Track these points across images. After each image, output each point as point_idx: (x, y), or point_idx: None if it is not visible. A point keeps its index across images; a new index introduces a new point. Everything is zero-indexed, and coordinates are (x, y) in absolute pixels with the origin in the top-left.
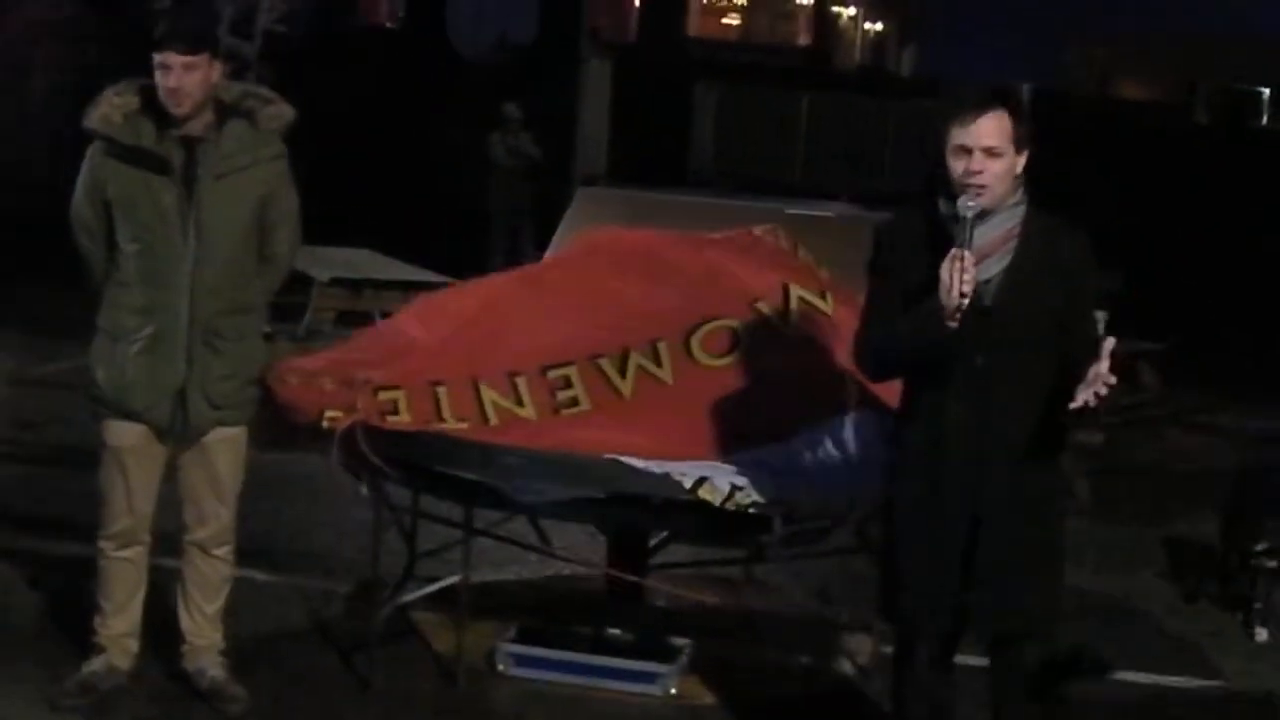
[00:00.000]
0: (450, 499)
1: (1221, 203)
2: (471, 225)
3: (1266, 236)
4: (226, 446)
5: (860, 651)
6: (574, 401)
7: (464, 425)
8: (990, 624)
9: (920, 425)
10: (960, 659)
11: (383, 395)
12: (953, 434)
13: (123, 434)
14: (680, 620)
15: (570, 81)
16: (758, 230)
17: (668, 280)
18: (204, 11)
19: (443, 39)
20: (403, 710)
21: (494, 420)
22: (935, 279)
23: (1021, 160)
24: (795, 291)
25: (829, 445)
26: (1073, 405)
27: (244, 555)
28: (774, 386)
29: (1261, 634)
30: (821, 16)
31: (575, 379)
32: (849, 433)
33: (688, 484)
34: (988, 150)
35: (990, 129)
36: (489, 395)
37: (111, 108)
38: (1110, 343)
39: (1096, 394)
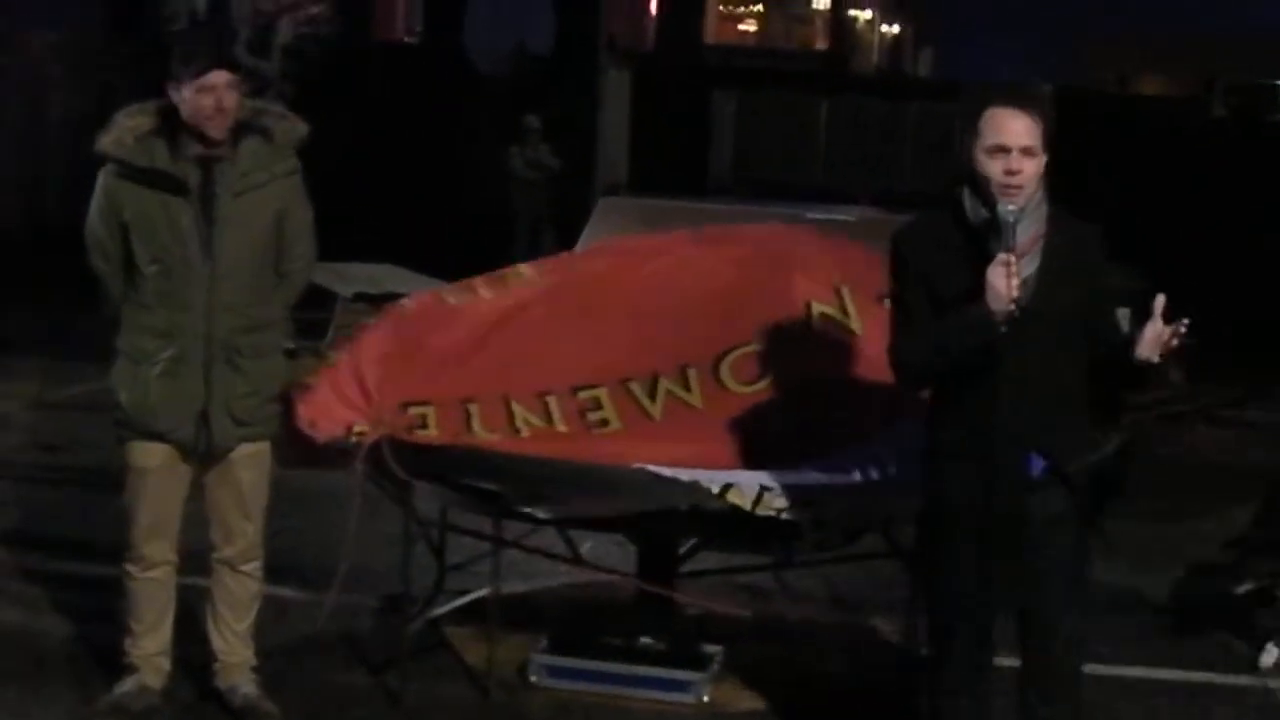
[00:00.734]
0: (479, 511)
1: (1243, 197)
2: (492, 237)
3: None
4: (251, 463)
5: (891, 654)
6: (604, 422)
7: (493, 437)
8: (1038, 624)
9: (960, 426)
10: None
11: (412, 410)
12: (997, 432)
13: (148, 455)
14: (711, 627)
15: (589, 91)
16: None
17: (694, 301)
18: (225, 32)
19: (461, 52)
20: None
21: (525, 433)
22: (972, 283)
23: (1045, 160)
24: (817, 309)
25: (862, 463)
26: (1139, 357)
27: (273, 572)
28: (805, 412)
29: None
30: (838, 20)
31: (605, 400)
32: (882, 451)
33: (715, 488)
34: (1025, 150)
35: (1026, 128)
36: (521, 413)
37: (123, 130)
38: (1161, 299)
39: (1167, 345)
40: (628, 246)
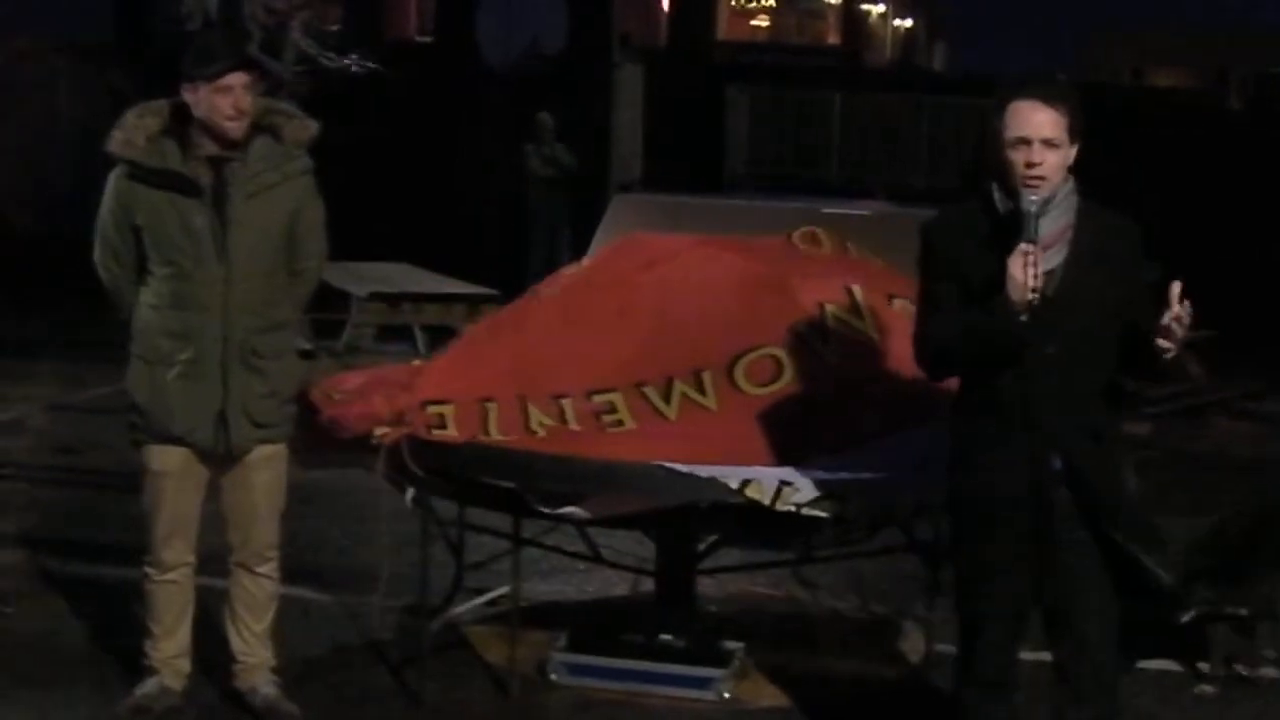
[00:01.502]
0: (498, 509)
1: (1260, 188)
2: (508, 236)
3: None
4: (268, 465)
5: (913, 650)
6: (619, 423)
7: (509, 438)
8: (1068, 624)
9: (986, 416)
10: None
11: (431, 409)
12: (1021, 422)
13: (165, 458)
14: (732, 624)
15: (602, 89)
16: (795, 236)
17: (708, 304)
18: (239, 32)
19: (473, 51)
20: None
21: (540, 434)
22: (999, 274)
23: (1073, 152)
24: (831, 311)
25: (881, 459)
26: (1159, 345)
27: (292, 574)
28: (821, 410)
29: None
30: (850, 15)
31: (620, 404)
32: (901, 446)
33: (734, 484)
34: (1046, 142)
35: (1049, 120)
36: (536, 415)
37: (134, 131)
38: (1177, 286)
39: (1173, 331)
40: (639, 247)
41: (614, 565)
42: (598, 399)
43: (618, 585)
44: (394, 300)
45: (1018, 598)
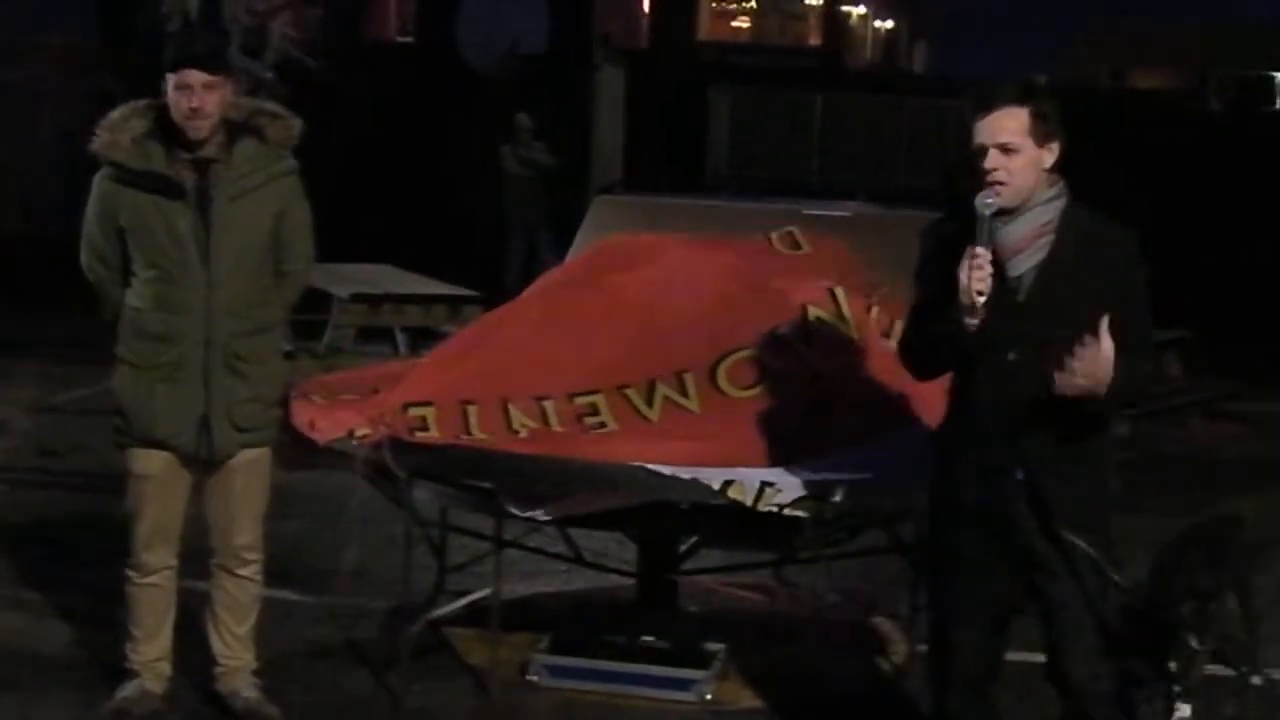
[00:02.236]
0: (479, 511)
1: (1241, 189)
2: (488, 237)
3: None
4: (252, 468)
5: (895, 651)
6: (601, 425)
7: (491, 439)
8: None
9: (957, 419)
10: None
11: (413, 411)
12: (983, 429)
13: (149, 462)
14: (713, 625)
15: (584, 90)
16: (774, 236)
17: (690, 306)
18: (215, 32)
19: (454, 52)
20: None
21: (522, 434)
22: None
23: (1047, 154)
24: (814, 313)
25: (863, 460)
26: (1058, 389)
27: (273, 576)
28: (804, 412)
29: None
30: (832, 16)
31: (602, 406)
32: (883, 448)
33: (716, 485)
34: (1002, 147)
35: (1003, 125)
36: (517, 417)
37: (118, 132)
38: (1104, 321)
39: (1072, 370)
40: (621, 248)
41: (596, 567)
42: (580, 401)
43: (599, 587)
44: (375, 301)
45: (988, 601)
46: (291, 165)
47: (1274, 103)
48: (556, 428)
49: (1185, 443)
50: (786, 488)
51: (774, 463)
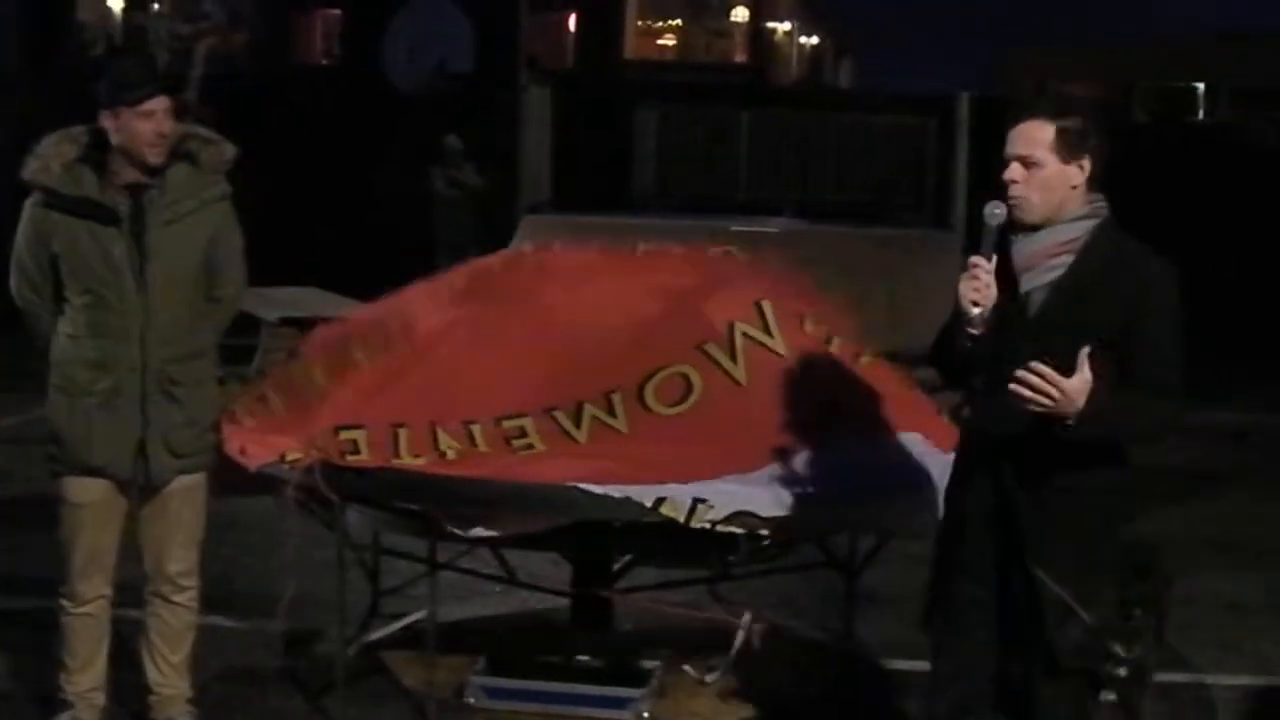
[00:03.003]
0: (412, 534)
1: (1169, 200)
2: (415, 259)
3: (1214, 229)
4: (188, 494)
5: (833, 665)
6: (529, 446)
7: (420, 461)
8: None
9: (969, 430)
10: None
11: (344, 435)
12: (977, 446)
13: (84, 490)
14: (649, 643)
15: (511, 111)
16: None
17: (617, 324)
18: (153, 57)
19: (380, 74)
20: None
21: (450, 455)
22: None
23: (1075, 171)
24: (740, 329)
25: (794, 476)
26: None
27: (207, 601)
28: (732, 431)
29: None
30: (757, 33)
31: (530, 429)
32: (815, 463)
33: (649, 502)
34: (1023, 159)
35: (1028, 137)
36: (445, 440)
37: (49, 159)
38: (1084, 351)
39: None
40: (548, 263)
41: (530, 587)
42: (508, 424)
43: (534, 607)
44: (304, 325)
45: (982, 620)
46: (224, 190)
47: (1197, 113)
48: (484, 449)
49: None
50: (719, 504)
51: (705, 479)
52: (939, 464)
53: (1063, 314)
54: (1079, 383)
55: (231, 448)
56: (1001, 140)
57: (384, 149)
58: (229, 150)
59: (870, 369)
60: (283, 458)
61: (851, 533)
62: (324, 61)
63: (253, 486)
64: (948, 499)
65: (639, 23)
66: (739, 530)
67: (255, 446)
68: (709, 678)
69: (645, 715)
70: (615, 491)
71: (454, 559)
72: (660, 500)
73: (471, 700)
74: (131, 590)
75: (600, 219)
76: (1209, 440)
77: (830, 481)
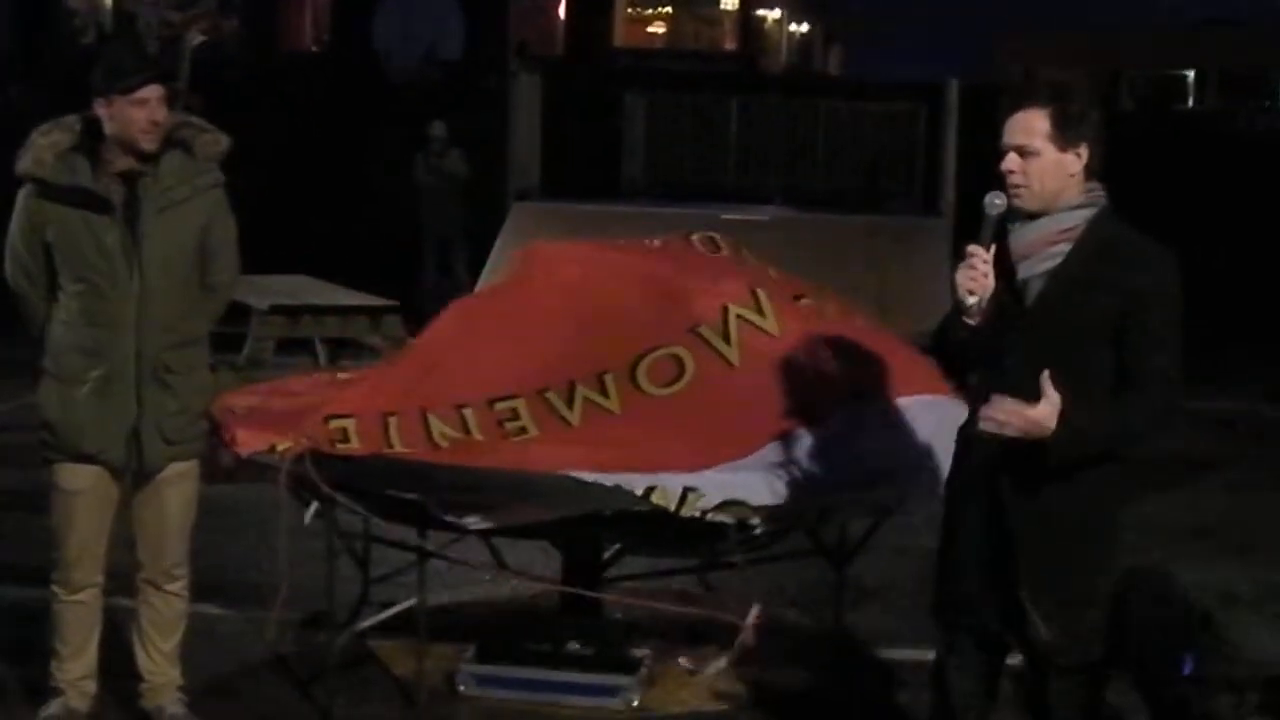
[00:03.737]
0: (403, 522)
1: (1156, 187)
2: (404, 245)
3: (1203, 217)
4: (180, 481)
5: (822, 654)
6: (522, 430)
7: (412, 452)
8: (1031, 643)
9: (969, 420)
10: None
11: (334, 424)
12: (974, 442)
13: (76, 477)
14: (639, 630)
15: (500, 98)
16: (695, 238)
17: (609, 306)
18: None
19: (369, 61)
20: None
21: (444, 445)
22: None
23: (1073, 159)
24: (734, 311)
25: (784, 463)
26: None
27: (197, 590)
28: (723, 413)
29: None
30: (746, 21)
31: (522, 411)
32: (806, 449)
33: (639, 490)
34: (1019, 149)
35: (1022, 126)
36: (437, 426)
37: (41, 149)
38: (1045, 376)
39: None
40: (539, 254)
41: (520, 575)
42: (500, 407)
43: (524, 595)
44: (294, 313)
45: (984, 606)
46: (218, 178)
47: (1186, 101)
48: (477, 435)
49: None
50: (709, 492)
51: (696, 464)
52: (950, 414)
53: (1060, 303)
54: (1046, 407)
55: (223, 436)
56: (991, 127)
57: (373, 136)
58: (223, 140)
59: (869, 335)
60: (273, 448)
61: (845, 519)
62: (314, 49)
63: (243, 475)
64: (949, 484)
65: (628, 10)
66: (729, 520)
67: (246, 434)
68: (709, 669)
69: (635, 703)
70: (607, 479)
71: (443, 547)
72: (651, 488)
73: (462, 688)
74: (122, 578)
75: (589, 207)
76: (1197, 428)
77: (824, 466)
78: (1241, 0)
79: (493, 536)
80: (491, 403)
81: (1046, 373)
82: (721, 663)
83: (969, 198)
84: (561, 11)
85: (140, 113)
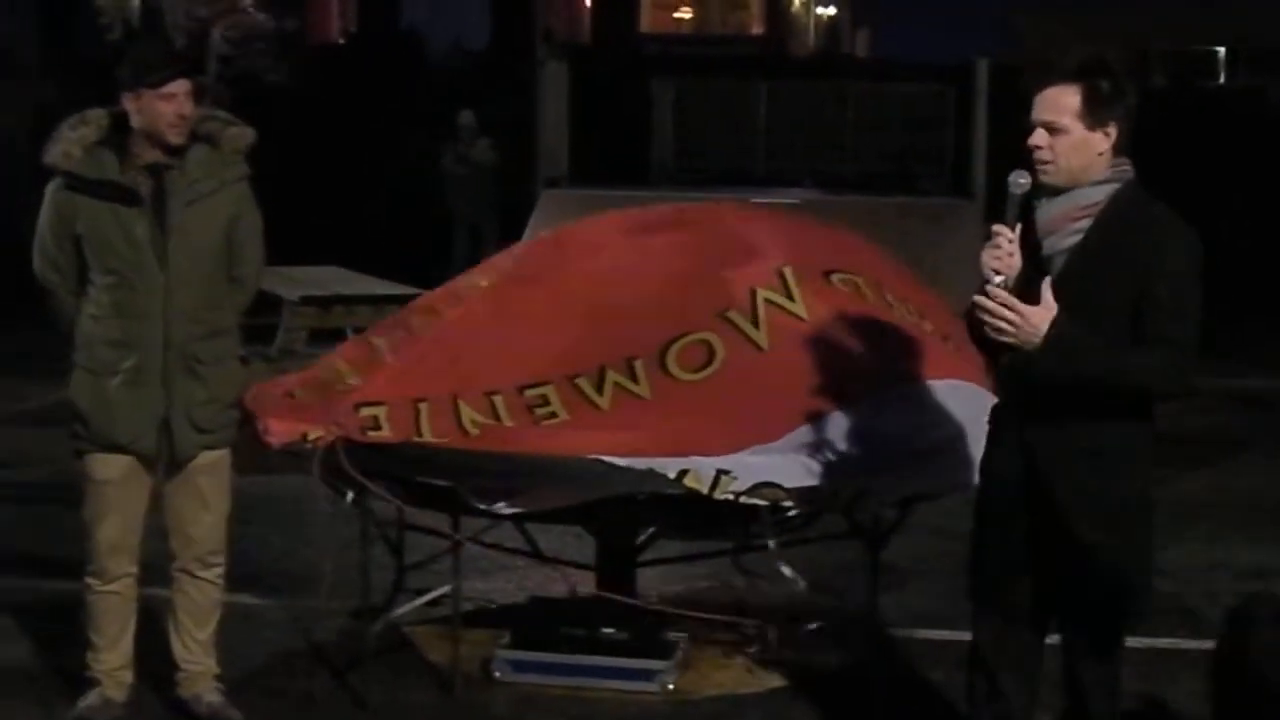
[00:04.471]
0: (435, 508)
1: (1186, 164)
2: (434, 235)
3: (1234, 194)
4: (212, 470)
5: (858, 636)
6: (552, 415)
7: (443, 440)
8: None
9: (999, 396)
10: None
11: (364, 411)
12: (1004, 414)
13: (108, 467)
14: (674, 615)
15: (528, 85)
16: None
17: (638, 293)
18: (171, 41)
19: (397, 50)
20: None
21: (474, 433)
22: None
23: (1101, 137)
24: (762, 295)
25: (816, 445)
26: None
27: (232, 580)
28: (754, 397)
29: None
30: (773, 4)
31: (553, 397)
32: (838, 432)
33: (672, 473)
34: (1046, 125)
35: (1049, 103)
36: (468, 413)
37: (70, 142)
38: (1046, 281)
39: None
40: (567, 238)
41: (554, 561)
42: (530, 393)
43: (558, 581)
44: (326, 303)
45: (1020, 587)
46: (244, 171)
47: (1217, 78)
48: (507, 422)
49: None
50: (742, 475)
51: (727, 448)
52: (984, 404)
53: (1083, 278)
54: (1041, 309)
55: (256, 427)
56: (1020, 107)
57: (401, 126)
58: (249, 134)
59: (905, 319)
60: (305, 437)
61: (879, 502)
62: (341, 40)
63: (276, 465)
64: (982, 466)
65: None
66: (762, 502)
67: (278, 425)
68: (749, 650)
69: (671, 687)
70: (639, 463)
71: (477, 534)
72: (684, 472)
73: (497, 674)
74: (157, 569)
75: (618, 193)
76: (1224, 405)
77: (857, 448)
78: None
79: (526, 522)
80: (521, 389)
81: (1047, 279)
82: (755, 647)
83: (999, 179)
84: None
85: (168, 107)
